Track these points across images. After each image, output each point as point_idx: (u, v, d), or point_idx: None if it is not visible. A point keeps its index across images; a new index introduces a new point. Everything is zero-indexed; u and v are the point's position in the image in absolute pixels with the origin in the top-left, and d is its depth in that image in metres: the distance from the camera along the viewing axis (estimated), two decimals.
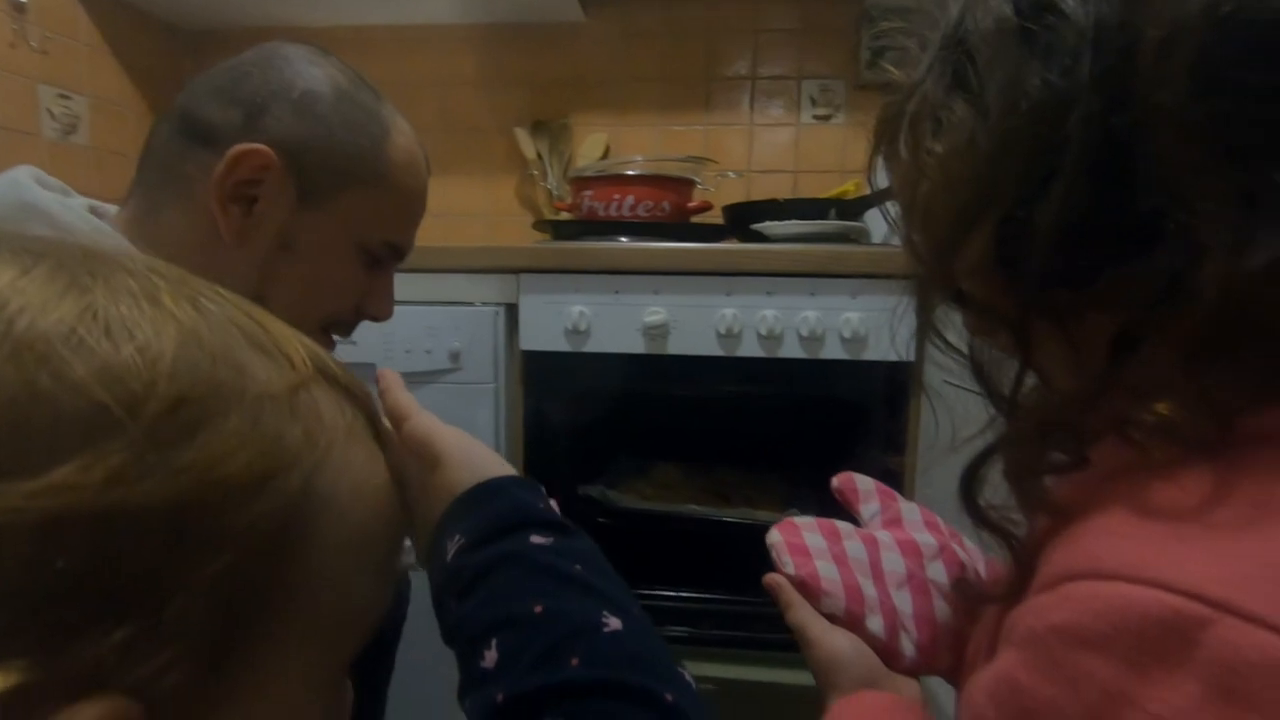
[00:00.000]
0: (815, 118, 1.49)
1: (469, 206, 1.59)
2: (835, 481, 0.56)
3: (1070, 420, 0.32)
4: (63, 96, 1.32)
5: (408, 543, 0.79)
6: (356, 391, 0.25)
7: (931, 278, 0.36)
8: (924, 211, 0.35)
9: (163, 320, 0.20)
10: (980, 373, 0.37)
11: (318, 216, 0.57)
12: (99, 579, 0.18)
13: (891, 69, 0.36)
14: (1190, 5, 0.26)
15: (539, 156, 1.52)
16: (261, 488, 0.20)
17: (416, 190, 0.62)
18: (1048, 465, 0.33)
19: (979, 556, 0.50)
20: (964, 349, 0.39)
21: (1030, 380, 0.35)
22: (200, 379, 0.20)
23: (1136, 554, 0.26)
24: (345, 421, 0.24)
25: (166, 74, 1.55)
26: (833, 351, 1.01)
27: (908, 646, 0.44)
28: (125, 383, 0.19)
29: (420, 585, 0.91)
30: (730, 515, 1.12)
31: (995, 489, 0.35)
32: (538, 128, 1.53)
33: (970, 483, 0.35)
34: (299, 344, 0.24)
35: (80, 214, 0.54)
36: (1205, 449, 0.28)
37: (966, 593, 0.45)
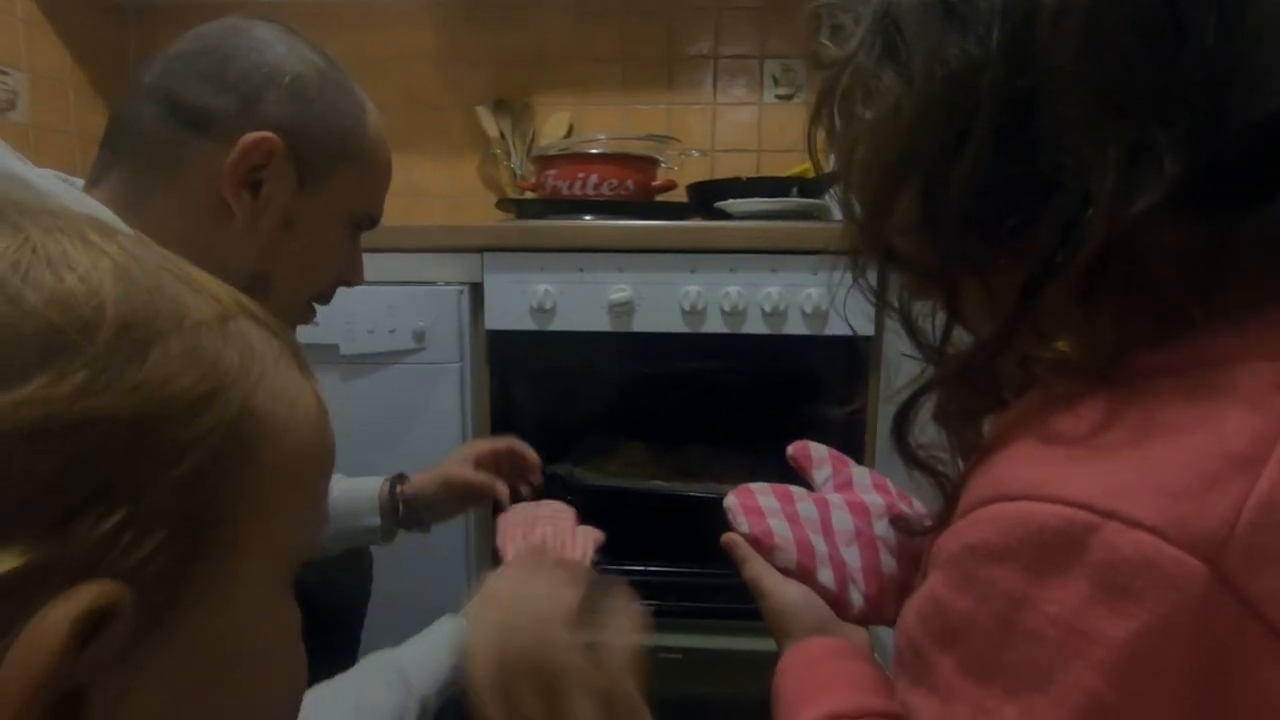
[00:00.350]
0: (778, 97, 1.50)
1: (431, 186, 1.58)
2: (790, 450, 0.59)
3: (985, 363, 0.34)
4: (0, 73, 1.27)
5: (376, 521, 0.80)
6: (278, 329, 0.27)
7: (865, 238, 0.38)
8: (858, 175, 0.37)
9: (96, 255, 0.22)
10: (910, 326, 0.40)
11: (315, 195, 0.59)
12: (82, 476, 0.20)
13: (829, 45, 0.39)
14: None
15: (501, 135, 1.51)
16: (208, 404, 0.22)
17: (389, 162, 0.65)
18: (970, 407, 0.36)
19: (924, 512, 0.53)
20: (895, 304, 0.41)
21: (959, 332, 0.37)
22: (140, 306, 0.22)
23: (1037, 475, 0.29)
24: (274, 351, 0.26)
25: (108, 49, 1.50)
26: (795, 327, 1.03)
27: (856, 598, 0.47)
28: (74, 309, 0.21)
29: (382, 563, 0.91)
30: (694, 490, 1.14)
31: (925, 431, 0.38)
32: (500, 106, 1.52)
33: (901, 424, 0.39)
34: (220, 285, 0.26)
35: (57, 184, 0.53)
36: (1102, 381, 0.30)
37: (903, 527, 0.49)
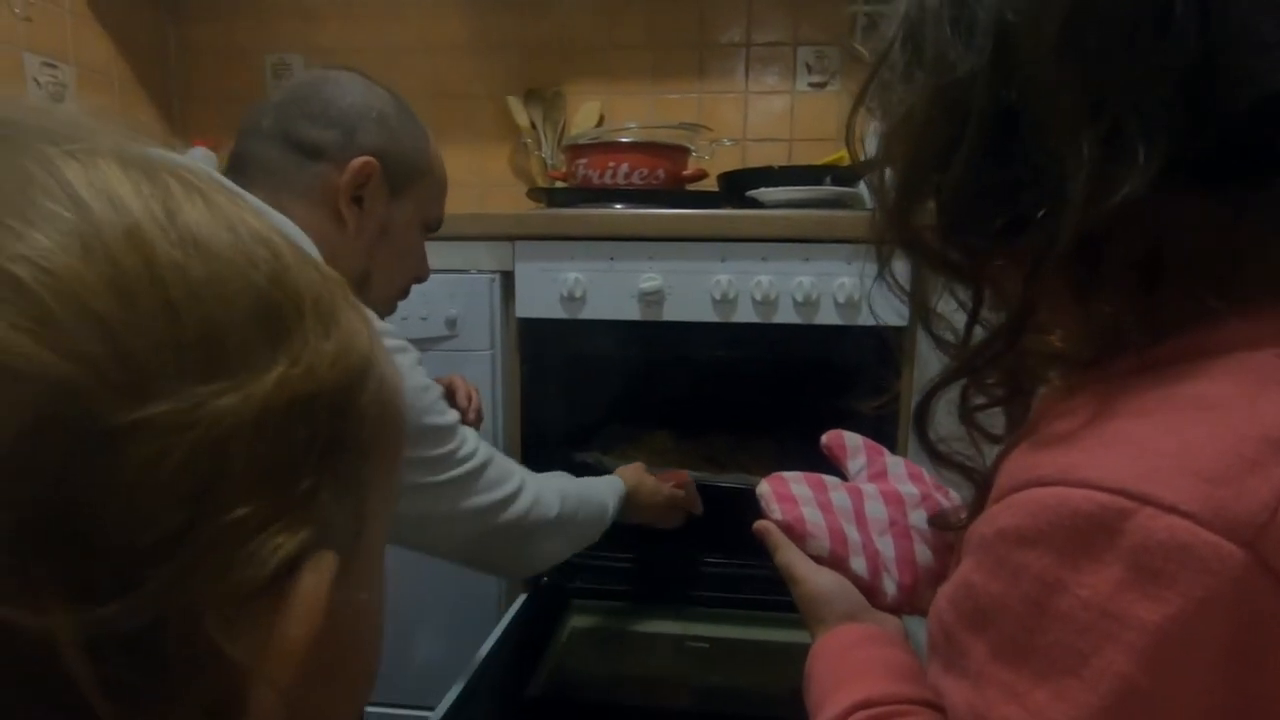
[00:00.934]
0: (811, 85, 1.49)
1: (462, 176, 1.58)
2: (825, 439, 0.59)
3: (994, 358, 0.35)
4: (48, 65, 1.30)
5: None
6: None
7: (890, 228, 0.39)
8: (884, 170, 0.39)
9: (270, 229, 0.22)
10: (926, 319, 0.40)
11: (402, 205, 0.75)
12: (305, 455, 0.21)
13: (861, 49, 0.40)
14: None
15: (532, 125, 1.51)
16: (368, 372, 0.23)
17: (445, 172, 0.82)
18: (990, 399, 0.37)
19: (960, 504, 0.52)
20: (916, 296, 0.42)
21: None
22: (315, 280, 0.23)
23: (1070, 460, 0.29)
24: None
25: (150, 42, 1.53)
26: (827, 316, 1.02)
27: (890, 586, 0.47)
28: (286, 284, 0.21)
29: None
30: (723, 480, 1.14)
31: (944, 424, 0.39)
32: (530, 96, 1.52)
33: (920, 419, 0.40)
34: None
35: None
36: (1139, 368, 0.31)
37: (940, 524, 0.49)
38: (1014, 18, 0.31)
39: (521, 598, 1.05)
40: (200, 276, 0.19)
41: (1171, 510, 0.26)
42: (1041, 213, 0.31)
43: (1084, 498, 0.28)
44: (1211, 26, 0.28)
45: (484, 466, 0.72)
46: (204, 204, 0.21)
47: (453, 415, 0.70)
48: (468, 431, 0.72)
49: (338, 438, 0.21)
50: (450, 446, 0.69)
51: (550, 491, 0.79)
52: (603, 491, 0.89)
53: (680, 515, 1.02)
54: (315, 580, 0.20)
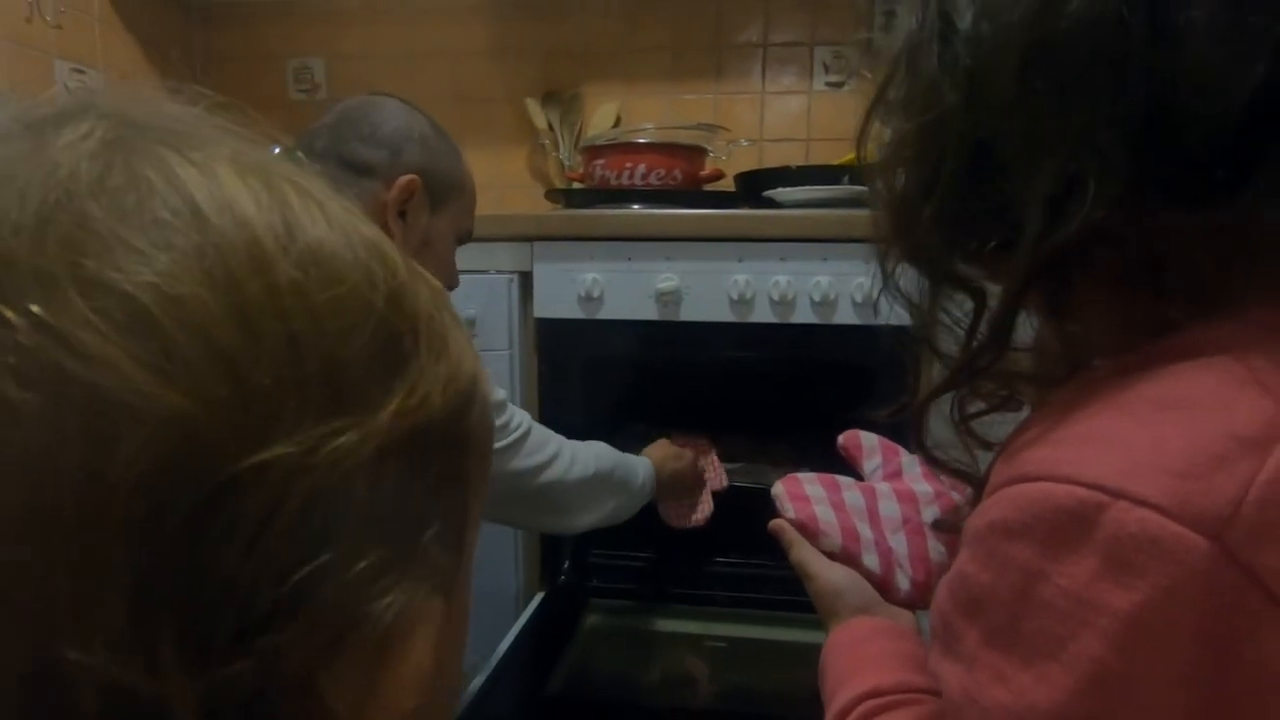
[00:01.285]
0: (828, 84, 1.48)
1: (480, 178, 1.57)
2: (841, 439, 0.59)
3: (980, 371, 0.37)
4: (77, 71, 1.33)
5: None
6: None
7: (893, 239, 0.41)
8: (889, 181, 0.40)
9: (378, 237, 0.21)
10: (921, 327, 0.42)
11: (441, 219, 0.81)
12: (422, 484, 0.19)
13: (867, 75, 0.41)
14: (1013, 24, 0.32)
15: (550, 127, 1.52)
16: (476, 387, 0.22)
17: (475, 189, 0.89)
18: (981, 406, 0.39)
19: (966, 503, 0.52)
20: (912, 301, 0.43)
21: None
22: (424, 295, 0.21)
23: (1054, 457, 0.31)
24: None
25: (176, 48, 1.56)
26: (845, 316, 1.01)
27: (903, 582, 0.47)
28: (404, 306, 0.20)
29: None
30: (741, 480, 1.14)
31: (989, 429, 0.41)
32: (548, 98, 1.53)
33: (918, 425, 0.42)
34: None
35: None
36: (1120, 369, 0.33)
37: (946, 527, 0.50)
38: (976, 61, 0.33)
39: (539, 597, 1.06)
40: (321, 302, 0.18)
41: (1142, 504, 0.27)
42: (1009, 241, 0.33)
43: (1065, 492, 0.29)
44: (1168, 61, 0.30)
45: (526, 435, 0.81)
46: (321, 215, 0.20)
47: (501, 391, 0.81)
48: (512, 404, 0.83)
49: (447, 470, 0.20)
50: (502, 420, 0.79)
51: (586, 453, 0.89)
52: (634, 461, 0.97)
53: (698, 494, 1.07)
54: (425, 633, 0.19)
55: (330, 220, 0.20)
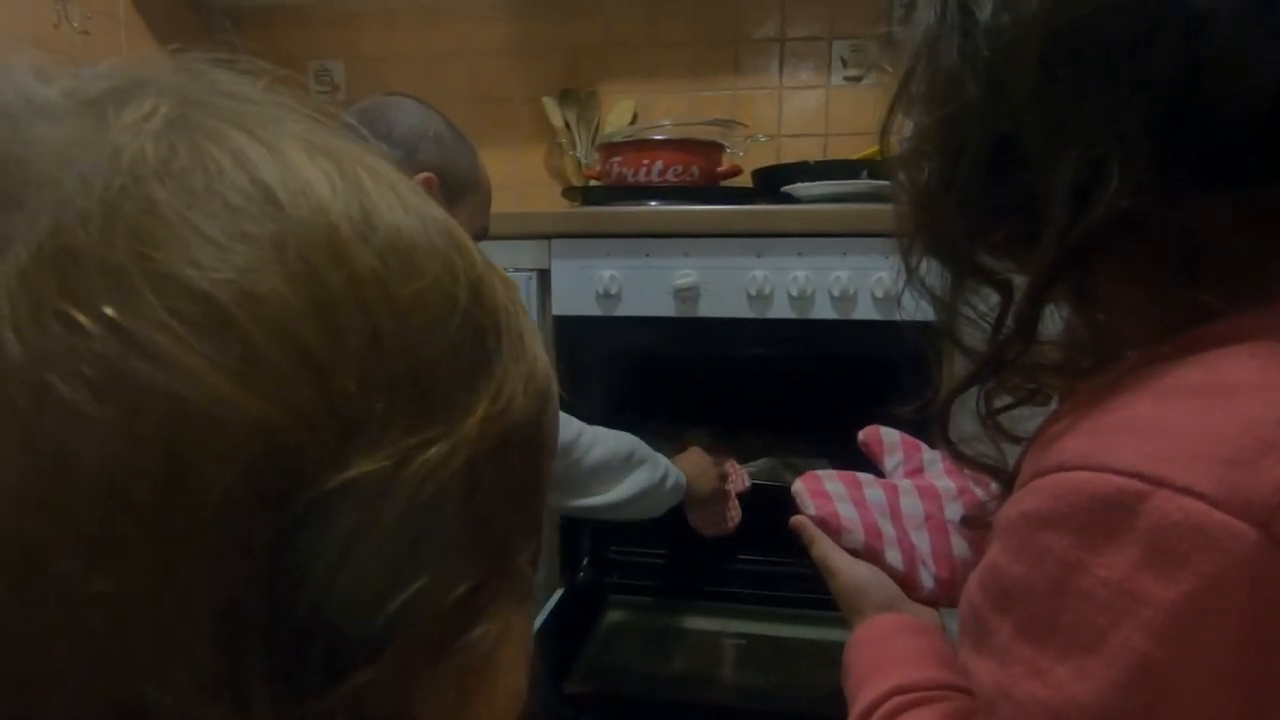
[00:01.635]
0: (846, 79, 1.47)
1: (497, 176, 1.58)
2: (862, 435, 0.59)
3: (1010, 360, 0.37)
4: None
5: None
6: None
7: (916, 231, 0.41)
8: (913, 173, 0.40)
9: (449, 223, 0.20)
10: (947, 321, 0.41)
11: (456, 216, 0.79)
12: (506, 495, 0.18)
13: (888, 68, 0.41)
14: (1032, 14, 0.32)
15: (567, 125, 1.52)
16: (549, 396, 0.20)
17: (491, 187, 0.90)
18: (1007, 400, 0.39)
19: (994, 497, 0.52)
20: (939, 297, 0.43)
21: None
22: (499, 287, 0.20)
23: (1090, 446, 0.30)
24: None
25: (200, 50, 1.58)
26: (865, 311, 1.00)
27: (926, 579, 0.47)
28: (487, 302, 0.18)
29: None
30: (761, 478, 1.13)
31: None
32: (565, 96, 1.53)
33: (942, 420, 0.41)
34: None
35: None
36: (1152, 359, 0.32)
37: (973, 523, 0.49)
38: (996, 53, 0.33)
39: (558, 593, 1.06)
40: (404, 295, 0.16)
41: (1186, 492, 0.27)
42: (1033, 232, 0.33)
43: (1103, 481, 0.28)
44: (1194, 45, 0.29)
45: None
46: (397, 200, 0.18)
47: None
48: None
49: (529, 476, 0.19)
50: None
51: (609, 436, 0.89)
52: (659, 456, 0.96)
53: (726, 501, 1.06)
54: (515, 652, 0.18)
55: (405, 205, 0.18)
